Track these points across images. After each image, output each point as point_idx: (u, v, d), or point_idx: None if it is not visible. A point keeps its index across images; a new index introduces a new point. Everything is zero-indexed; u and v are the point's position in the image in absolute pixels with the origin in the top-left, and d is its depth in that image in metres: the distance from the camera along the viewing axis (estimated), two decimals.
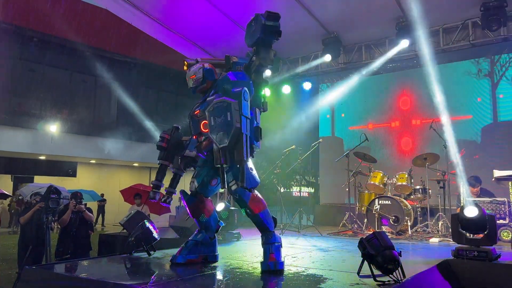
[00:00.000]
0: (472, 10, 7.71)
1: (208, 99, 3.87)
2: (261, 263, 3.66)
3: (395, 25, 8.29)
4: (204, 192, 4.12)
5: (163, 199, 4.25)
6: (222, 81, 3.92)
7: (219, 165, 3.53)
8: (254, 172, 3.88)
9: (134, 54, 17.84)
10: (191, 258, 3.93)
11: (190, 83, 4.10)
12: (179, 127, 4.42)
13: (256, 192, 3.81)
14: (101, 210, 18.54)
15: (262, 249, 3.83)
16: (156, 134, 19.07)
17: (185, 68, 4.25)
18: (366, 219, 7.32)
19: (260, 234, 3.84)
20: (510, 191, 6.36)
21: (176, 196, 4.55)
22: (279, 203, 8.73)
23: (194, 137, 4.10)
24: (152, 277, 3.69)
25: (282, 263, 3.63)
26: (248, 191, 3.71)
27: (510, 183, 6.37)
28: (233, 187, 3.64)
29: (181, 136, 4.36)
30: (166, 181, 4.36)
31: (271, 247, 3.66)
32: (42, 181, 16.19)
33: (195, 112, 3.96)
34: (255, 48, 3.76)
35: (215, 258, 4.10)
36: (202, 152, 3.98)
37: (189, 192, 4.13)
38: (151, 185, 4.35)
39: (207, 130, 3.66)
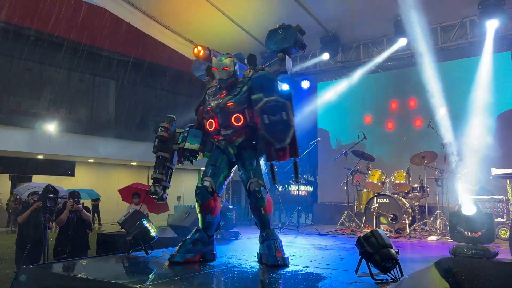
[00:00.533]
0: (470, 8, 7.72)
1: (254, 96, 3.85)
2: (268, 257, 3.76)
3: (393, 24, 8.30)
4: (219, 191, 4.13)
5: (159, 196, 4.18)
6: (262, 78, 3.98)
7: (270, 161, 3.73)
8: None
9: (132, 53, 17.78)
10: (189, 257, 3.90)
11: (222, 75, 4.02)
12: (174, 117, 4.40)
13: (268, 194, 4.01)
14: (95, 209, 18.41)
15: (259, 247, 3.89)
16: (154, 133, 19.06)
17: (201, 54, 4.22)
18: (364, 218, 7.33)
19: (260, 232, 3.99)
20: (508, 189, 6.39)
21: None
22: (277, 202, 8.73)
23: (214, 127, 4.02)
24: (150, 276, 3.68)
25: (288, 258, 3.84)
26: (266, 191, 3.94)
27: (508, 181, 6.40)
28: (254, 186, 3.86)
29: (176, 128, 4.35)
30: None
31: (276, 243, 3.86)
32: (40, 181, 16.15)
33: (228, 104, 3.94)
34: (281, 55, 4.00)
35: (213, 257, 4.09)
36: (231, 146, 4.00)
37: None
38: (152, 179, 4.20)
39: (239, 124, 3.88)
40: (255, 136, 4.04)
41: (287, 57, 4.00)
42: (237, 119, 3.91)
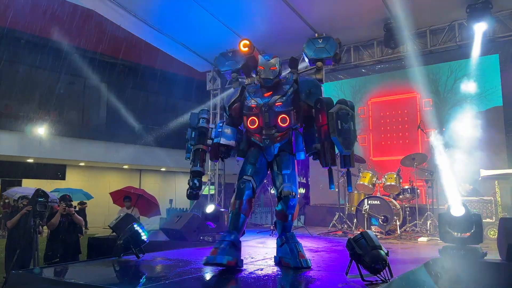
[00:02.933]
0: (458, 11, 7.82)
1: (325, 99, 3.78)
2: (290, 260, 3.75)
3: (383, 27, 8.37)
4: (257, 191, 4.06)
5: (194, 192, 3.91)
6: (310, 83, 4.05)
7: (329, 166, 3.70)
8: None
9: (123, 56, 17.72)
10: (229, 260, 3.69)
11: (269, 74, 4.00)
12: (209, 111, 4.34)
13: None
14: (82, 213, 18.17)
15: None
16: (146, 136, 19.00)
17: (247, 50, 4.13)
18: (355, 219, 7.37)
19: (279, 235, 3.98)
20: (497, 190, 6.46)
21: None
22: (269, 204, 8.75)
23: (257, 125, 3.92)
24: (141, 280, 3.68)
25: (310, 260, 3.84)
26: (297, 199, 3.93)
27: (496, 182, 6.48)
28: (287, 192, 3.80)
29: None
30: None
31: (298, 246, 3.85)
32: (30, 185, 16.00)
33: (277, 104, 3.92)
34: (320, 64, 4.14)
35: (242, 264, 3.83)
36: (274, 146, 3.97)
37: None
38: (191, 173, 3.92)
39: (285, 124, 3.87)
40: (296, 139, 4.05)
41: (323, 68, 4.13)
42: (283, 120, 3.89)
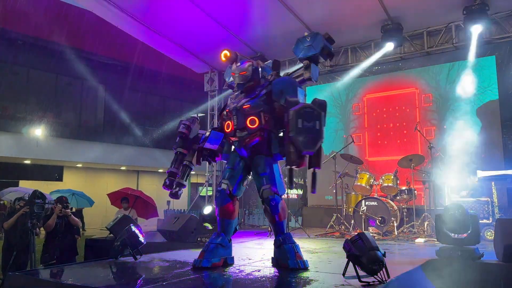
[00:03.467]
0: (455, 13, 7.85)
1: (291, 98, 3.74)
2: (288, 261, 3.77)
3: (380, 28, 8.40)
4: (238, 194, 4.15)
5: (173, 191, 4.24)
6: (283, 83, 4.02)
7: (289, 166, 3.66)
8: (282, 180, 4.10)
9: (120, 57, 17.73)
10: (215, 262, 3.89)
11: (240, 79, 4.10)
12: (199, 118, 4.47)
13: (283, 200, 4.03)
14: (78, 215, 18.06)
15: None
16: (144, 137, 18.98)
17: (224, 59, 4.24)
18: (353, 221, 7.38)
19: (275, 237, 4.01)
20: (494, 191, 6.48)
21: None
22: None
23: (230, 128, 4.05)
24: (138, 281, 3.67)
25: (307, 262, 3.86)
26: (280, 198, 3.95)
27: (493, 183, 6.50)
28: (267, 193, 3.88)
29: (199, 128, 4.41)
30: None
31: (295, 247, 3.87)
32: (27, 186, 15.94)
33: (244, 107, 3.97)
34: (307, 62, 4.03)
35: (232, 261, 4.11)
36: (245, 147, 4.02)
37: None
38: (167, 173, 4.27)
39: (254, 126, 3.91)
40: (271, 140, 4.04)
41: (312, 64, 4.03)
42: (252, 122, 3.94)
